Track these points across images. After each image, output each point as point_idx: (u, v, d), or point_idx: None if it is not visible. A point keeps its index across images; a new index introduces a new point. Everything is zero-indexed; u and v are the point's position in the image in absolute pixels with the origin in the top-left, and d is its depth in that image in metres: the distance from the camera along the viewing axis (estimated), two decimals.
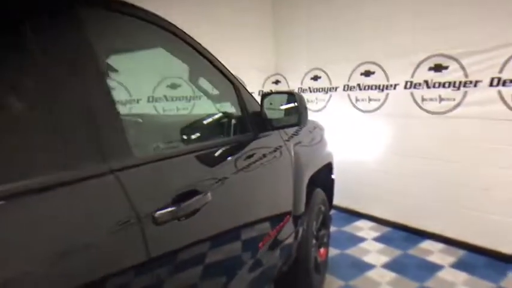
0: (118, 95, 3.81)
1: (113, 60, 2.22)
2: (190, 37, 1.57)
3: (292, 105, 1.85)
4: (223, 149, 1.60)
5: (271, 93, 1.89)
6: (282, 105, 1.93)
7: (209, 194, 1.29)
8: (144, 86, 4.28)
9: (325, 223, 2.91)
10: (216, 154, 1.55)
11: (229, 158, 1.59)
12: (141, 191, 1.07)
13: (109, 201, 0.98)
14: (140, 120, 2.15)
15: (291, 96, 1.86)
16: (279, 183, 2.01)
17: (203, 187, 1.31)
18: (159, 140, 1.57)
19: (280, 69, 5.26)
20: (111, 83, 1.12)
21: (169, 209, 1.11)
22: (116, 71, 2.36)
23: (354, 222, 4.26)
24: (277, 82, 5.29)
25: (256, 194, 1.76)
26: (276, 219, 1.95)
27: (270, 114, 1.88)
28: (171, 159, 1.28)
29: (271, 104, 1.90)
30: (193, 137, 1.66)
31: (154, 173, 1.16)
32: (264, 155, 1.83)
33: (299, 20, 4.91)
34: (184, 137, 1.65)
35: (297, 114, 1.83)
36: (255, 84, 5.03)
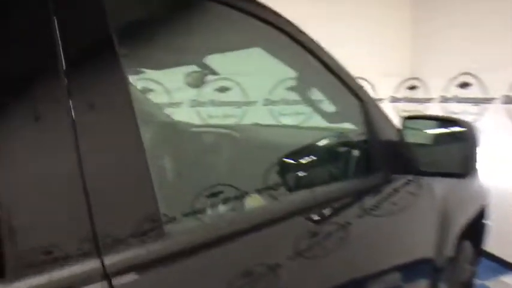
0: (233, 96, 3.51)
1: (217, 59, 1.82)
2: (301, 31, 1.08)
3: (451, 137, 1.20)
4: (337, 206, 1.06)
5: (420, 117, 1.28)
6: (430, 131, 1.29)
7: None
8: (261, 87, 3.93)
9: (468, 286, 2.19)
10: (324, 219, 1.01)
11: (342, 229, 1.04)
12: None
13: None
14: (230, 133, 1.70)
15: (455, 125, 1.21)
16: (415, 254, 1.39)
17: None
18: (243, 183, 1.08)
19: (418, 73, 4.45)
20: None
21: None
22: (215, 73, 1.98)
23: (502, 275, 3.32)
24: (413, 88, 4.48)
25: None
26: None
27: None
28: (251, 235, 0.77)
29: (414, 128, 1.29)
30: (292, 179, 1.13)
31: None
32: (397, 213, 1.23)
33: (445, 13, 4.06)
34: (282, 174, 1.13)
35: (463, 158, 1.17)
36: (385, 90, 4.32)
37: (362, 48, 3.97)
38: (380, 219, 1.19)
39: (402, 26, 4.41)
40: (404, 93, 4.50)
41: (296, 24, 1.06)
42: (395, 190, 1.25)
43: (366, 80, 4.14)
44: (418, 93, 4.45)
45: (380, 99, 4.31)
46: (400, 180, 1.26)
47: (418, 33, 4.35)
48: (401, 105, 4.42)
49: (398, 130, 1.26)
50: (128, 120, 0.62)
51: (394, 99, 4.44)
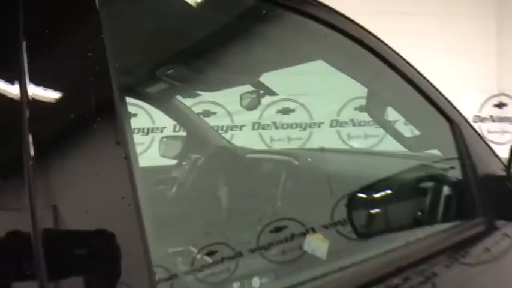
0: (298, 117, 3.31)
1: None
2: (377, 39, 0.88)
3: None
4: (424, 260, 0.81)
5: None
6: None
7: None
8: (327, 107, 3.71)
9: None
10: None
11: None
12: None
13: None
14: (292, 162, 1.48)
15: None
16: None
17: None
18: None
19: (507, 89, 3.97)
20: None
21: None
22: (274, 94, 1.80)
23: None
24: (501, 105, 4.00)
25: None
26: None
27: None
28: None
29: None
30: (362, 221, 0.89)
31: None
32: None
33: None
34: (349, 215, 0.91)
35: None
36: (469, 108, 3.88)
37: (441, 62, 3.62)
38: (482, 281, 0.91)
39: (487, 38, 3.99)
40: (490, 111, 4.03)
41: (368, 30, 0.85)
42: (501, 242, 0.96)
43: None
44: (507, 112, 3.96)
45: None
46: (509, 229, 0.97)
47: (506, 49, 3.91)
48: (487, 125, 3.95)
49: (505, 161, 0.98)
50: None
51: (479, 119, 3.97)
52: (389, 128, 1.18)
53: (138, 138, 3.38)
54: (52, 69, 0.44)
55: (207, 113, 3.36)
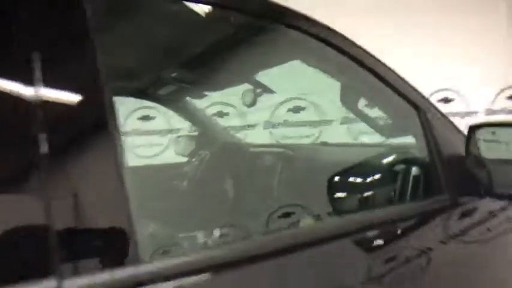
0: (309, 115, 3.39)
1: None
2: (341, 36, 0.98)
3: None
4: (393, 229, 0.92)
5: (494, 124, 1.07)
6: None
7: None
8: (337, 105, 3.76)
9: None
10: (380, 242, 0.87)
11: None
12: None
13: None
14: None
15: None
16: None
17: None
18: None
19: None
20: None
21: None
22: (271, 92, 1.91)
23: None
24: None
25: None
26: None
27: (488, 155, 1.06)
28: None
29: (489, 140, 1.08)
30: (343, 200, 1.01)
31: None
32: (463, 242, 1.03)
33: None
34: (333, 196, 1.03)
35: None
36: (480, 102, 3.87)
37: (452, 56, 3.62)
38: (437, 250, 1.00)
39: (498, 33, 3.96)
40: (503, 104, 4.00)
41: (331, 28, 0.95)
42: (463, 215, 1.04)
43: (456, 92, 3.76)
44: None
45: (474, 112, 3.87)
46: (470, 204, 1.05)
47: None
48: (501, 118, 3.92)
49: (466, 142, 1.07)
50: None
51: (491, 112, 3.95)
52: (364, 117, 1.28)
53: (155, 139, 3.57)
54: (56, 75, 0.49)
55: (221, 114, 3.49)
